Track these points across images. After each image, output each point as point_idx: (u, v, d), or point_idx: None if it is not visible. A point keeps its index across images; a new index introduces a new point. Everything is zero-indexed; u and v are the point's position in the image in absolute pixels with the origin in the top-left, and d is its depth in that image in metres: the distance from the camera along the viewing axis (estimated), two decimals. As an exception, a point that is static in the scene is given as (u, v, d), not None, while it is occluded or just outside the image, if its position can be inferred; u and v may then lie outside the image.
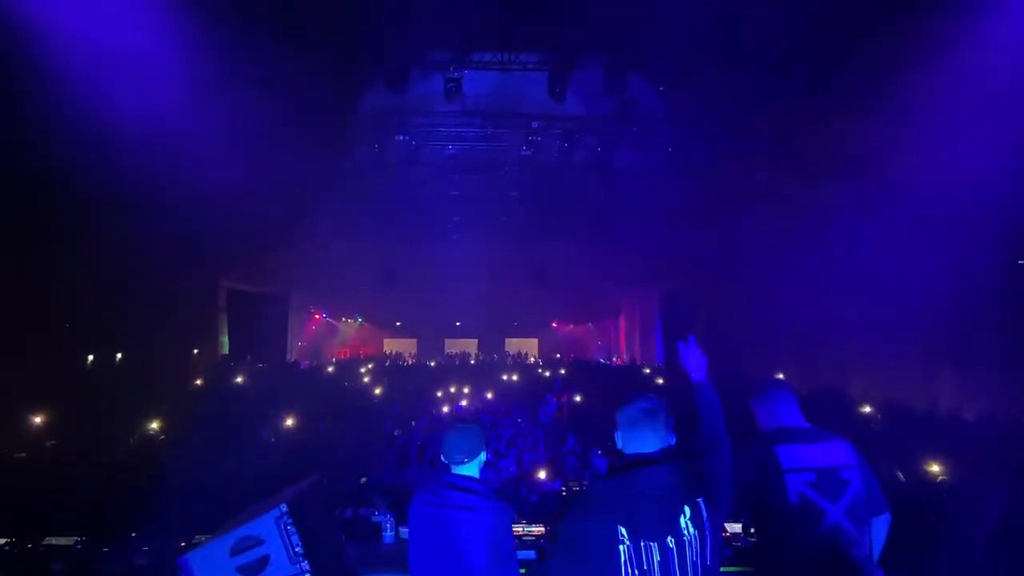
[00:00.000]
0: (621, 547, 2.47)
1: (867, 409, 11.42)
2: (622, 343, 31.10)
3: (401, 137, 14.74)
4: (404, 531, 4.55)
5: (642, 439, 2.67)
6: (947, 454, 7.55)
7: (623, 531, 2.48)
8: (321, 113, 12.82)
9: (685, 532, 2.48)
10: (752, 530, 4.42)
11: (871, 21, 8.31)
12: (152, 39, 9.12)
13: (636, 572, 2.46)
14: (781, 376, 16.53)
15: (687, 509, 2.51)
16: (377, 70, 12.83)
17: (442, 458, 3.30)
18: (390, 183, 17.40)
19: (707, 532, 2.50)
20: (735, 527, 4.61)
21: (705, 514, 2.52)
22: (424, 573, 3.16)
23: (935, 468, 7.22)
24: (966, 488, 5.24)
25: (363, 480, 6.79)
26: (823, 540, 3.16)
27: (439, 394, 15.84)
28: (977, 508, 4.68)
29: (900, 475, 7.36)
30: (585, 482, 6.79)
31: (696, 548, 2.48)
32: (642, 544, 2.47)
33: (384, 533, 4.54)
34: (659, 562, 2.46)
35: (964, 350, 11.05)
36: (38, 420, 10.35)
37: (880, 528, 3.42)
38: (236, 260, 19.00)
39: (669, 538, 2.47)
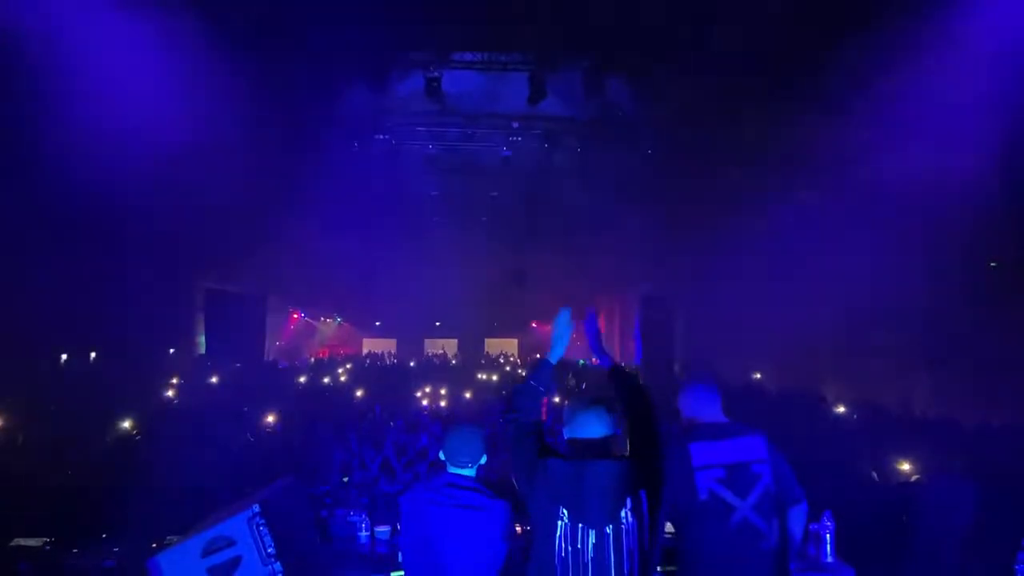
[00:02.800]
0: (559, 523, 2.66)
1: (842, 409, 11.54)
2: (601, 344, 31.13)
3: (381, 136, 14.68)
4: (380, 531, 4.54)
5: (586, 425, 2.81)
6: (920, 454, 7.65)
7: (564, 511, 2.67)
8: (300, 111, 12.75)
9: (624, 520, 2.64)
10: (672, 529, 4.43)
11: (842, 25, 8.41)
12: (130, 40, 9.02)
13: (570, 548, 2.64)
14: (758, 376, 16.69)
15: (629, 500, 2.66)
16: (357, 69, 12.76)
17: (441, 456, 3.26)
18: (369, 182, 17.32)
19: (645, 520, 2.66)
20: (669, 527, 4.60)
21: (645, 505, 2.68)
22: (425, 573, 3.09)
23: (907, 467, 7.32)
24: (938, 487, 5.32)
25: (345, 480, 6.78)
26: (731, 536, 3.20)
27: (418, 394, 15.80)
28: (948, 507, 4.75)
29: (874, 474, 7.46)
30: None
31: (634, 535, 2.64)
32: (579, 527, 2.65)
33: (359, 533, 4.52)
34: (594, 544, 2.63)
35: (938, 351, 11.21)
36: (8, 419, 10.15)
37: (797, 517, 3.43)
38: (214, 259, 18.81)
39: (608, 526, 2.64)
